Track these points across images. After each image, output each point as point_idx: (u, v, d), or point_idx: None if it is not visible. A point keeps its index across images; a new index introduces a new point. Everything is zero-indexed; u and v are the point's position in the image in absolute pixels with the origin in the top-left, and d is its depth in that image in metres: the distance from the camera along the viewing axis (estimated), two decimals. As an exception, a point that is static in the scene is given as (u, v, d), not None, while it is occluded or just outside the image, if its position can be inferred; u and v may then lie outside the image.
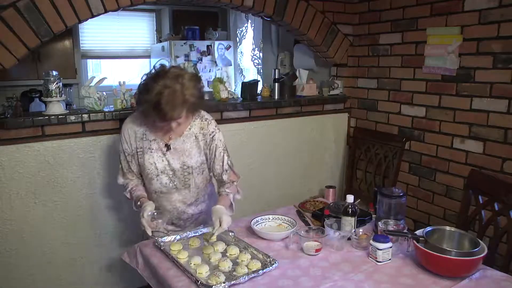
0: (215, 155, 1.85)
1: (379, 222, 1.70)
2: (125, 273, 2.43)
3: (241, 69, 5.36)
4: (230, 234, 1.71)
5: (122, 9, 2.29)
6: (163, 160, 1.79)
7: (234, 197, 1.86)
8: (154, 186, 1.83)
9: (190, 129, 1.81)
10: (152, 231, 1.91)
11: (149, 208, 1.70)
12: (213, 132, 1.84)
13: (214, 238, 1.69)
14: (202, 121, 1.84)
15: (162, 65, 1.70)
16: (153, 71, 1.67)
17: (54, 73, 2.16)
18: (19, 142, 2.10)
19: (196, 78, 1.69)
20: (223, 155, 1.86)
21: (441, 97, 2.63)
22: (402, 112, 2.90)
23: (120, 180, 1.90)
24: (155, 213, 1.72)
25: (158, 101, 1.56)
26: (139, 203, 1.79)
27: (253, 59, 4.89)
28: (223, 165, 1.86)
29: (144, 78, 1.68)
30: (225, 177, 1.86)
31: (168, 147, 1.79)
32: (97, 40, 5.29)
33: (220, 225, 1.64)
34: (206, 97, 1.95)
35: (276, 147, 2.98)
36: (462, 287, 1.40)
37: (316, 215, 1.98)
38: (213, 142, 1.84)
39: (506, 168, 2.31)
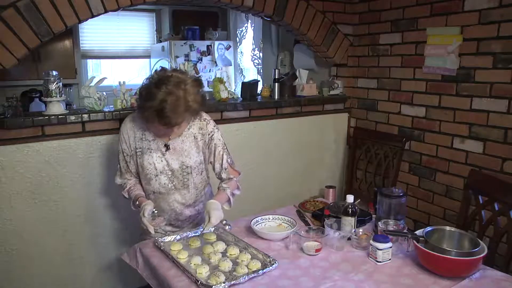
0: (214, 155, 1.88)
1: (379, 222, 1.70)
2: (125, 273, 2.43)
3: (241, 69, 5.36)
4: (227, 228, 1.73)
5: (122, 9, 2.29)
6: (162, 160, 1.79)
7: (233, 193, 1.90)
8: (152, 186, 1.83)
9: (189, 129, 1.82)
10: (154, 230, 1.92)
11: (149, 207, 1.70)
12: (211, 132, 1.86)
13: (212, 237, 1.72)
14: (201, 121, 1.84)
15: (164, 69, 1.69)
16: (154, 75, 1.65)
17: (54, 73, 2.16)
18: (19, 142, 2.10)
19: (198, 83, 1.69)
20: (222, 154, 1.89)
21: (441, 97, 2.63)
22: (402, 112, 2.90)
23: (118, 180, 1.89)
24: (156, 212, 1.73)
25: (162, 108, 1.56)
26: (137, 202, 1.79)
27: (253, 59, 4.89)
28: (222, 163, 1.89)
29: (145, 82, 1.66)
30: (224, 175, 1.90)
31: (167, 147, 1.79)
32: (97, 40, 5.29)
33: (209, 220, 1.66)
34: (208, 99, 1.94)
35: (276, 147, 2.98)
36: (462, 287, 1.40)
37: (316, 215, 1.98)
38: (212, 141, 1.86)
39: (506, 168, 2.31)
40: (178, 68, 1.72)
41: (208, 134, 1.85)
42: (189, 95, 1.61)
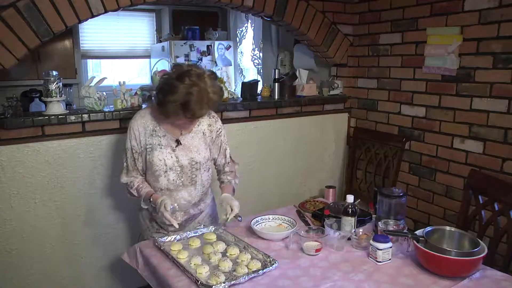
0: (220, 150, 1.95)
1: (379, 222, 1.71)
2: (125, 273, 2.43)
3: (241, 69, 5.36)
4: (239, 218, 1.82)
5: (122, 9, 2.29)
6: (172, 157, 1.80)
7: (236, 182, 2.03)
8: (160, 183, 1.83)
9: (198, 125, 1.86)
10: (151, 233, 1.92)
11: (169, 201, 1.73)
12: (219, 128, 1.93)
13: (213, 237, 1.74)
14: (209, 118, 1.90)
15: (179, 64, 1.72)
16: (172, 71, 1.68)
17: (54, 73, 2.16)
18: (19, 142, 2.10)
19: (214, 75, 1.74)
20: (225, 148, 1.98)
21: (441, 97, 2.63)
22: (402, 112, 2.90)
23: (124, 179, 1.86)
24: (177, 206, 1.78)
25: (188, 101, 1.59)
26: (151, 199, 1.78)
27: (253, 59, 4.89)
28: (226, 157, 1.99)
29: (165, 78, 1.68)
30: (227, 168, 2.01)
31: (178, 142, 1.80)
32: (97, 40, 5.28)
33: (232, 210, 1.80)
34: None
35: (276, 147, 2.98)
36: (462, 287, 1.40)
37: (316, 215, 1.98)
38: (219, 138, 1.93)
39: (506, 168, 2.31)
40: (190, 63, 1.75)
41: (217, 131, 1.91)
42: (209, 86, 1.65)
